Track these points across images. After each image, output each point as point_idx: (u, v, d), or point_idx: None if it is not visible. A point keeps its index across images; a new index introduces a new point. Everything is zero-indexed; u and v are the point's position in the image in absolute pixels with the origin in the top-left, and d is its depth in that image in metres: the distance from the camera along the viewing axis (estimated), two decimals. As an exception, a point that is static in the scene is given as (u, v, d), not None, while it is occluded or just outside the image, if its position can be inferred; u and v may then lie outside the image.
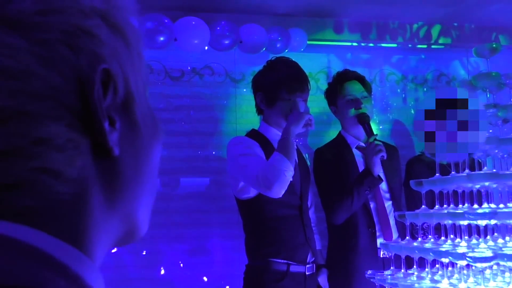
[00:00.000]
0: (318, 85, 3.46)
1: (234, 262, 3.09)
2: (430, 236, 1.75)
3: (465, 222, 1.59)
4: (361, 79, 2.80)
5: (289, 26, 3.29)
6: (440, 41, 3.66)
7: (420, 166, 2.99)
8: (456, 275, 1.62)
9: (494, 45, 3.29)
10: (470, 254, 1.39)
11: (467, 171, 1.63)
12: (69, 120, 0.41)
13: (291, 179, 2.26)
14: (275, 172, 2.19)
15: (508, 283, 1.51)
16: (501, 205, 1.65)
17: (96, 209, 0.44)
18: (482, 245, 1.53)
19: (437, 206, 1.76)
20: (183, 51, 3.17)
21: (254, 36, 3.17)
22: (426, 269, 1.70)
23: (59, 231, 0.41)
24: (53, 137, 0.40)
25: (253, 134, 2.50)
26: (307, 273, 2.42)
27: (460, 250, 1.48)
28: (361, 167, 2.68)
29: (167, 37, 2.99)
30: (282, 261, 2.37)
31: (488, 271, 1.55)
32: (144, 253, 3.15)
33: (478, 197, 1.64)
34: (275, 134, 2.48)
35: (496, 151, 1.66)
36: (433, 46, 3.70)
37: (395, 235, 2.66)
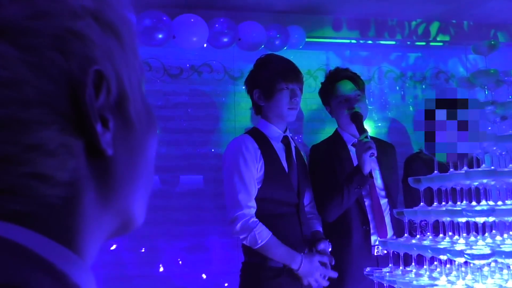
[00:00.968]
0: (316, 82, 3.46)
1: (233, 260, 3.09)
2: (428, 233, 1.76)
3: (463, 219, 1.59)
4: (353, 78, 2.79)
5: (287, 24, 3.29)
6: (439, 38, 3.66)
7: (418, 163, 2.99)
8: (454, 272, 1.62)
9: (492, 42, 3.29)
10: (468, 251, 1.39)
11: (465, 168, 1.64)
12: (61, 125, 0.41)
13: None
14: (253, 243, 2.33)
15: (506, 280, 1.51)
16: (499, 202, 1.65)
17: (89, 208, 0.44)
18: (480, 242, 1.54)
19: (435, 204, 1.77)
20: (181, 49, 3.17)
21: (252, 33, 3.16)
22: (424, 266, 1.71)
23: (49, 232, 0.41)
24: (45, 143, 0.40)
25: (253, 133, 2.52)
26: None
27: (458, 247, 1.49)
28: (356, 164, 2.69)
29: (166, 34, 2.98)
30: None
31: (486, 268, 1.55)
32: (142, 250, 3.15)
33: (476, 194, 1.64)
34: (274, 131, 2.51)
35: (494, 148, 1.67)
36: (431, 43, 3.69)
37: (390, 232, 2.66)
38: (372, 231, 2.63)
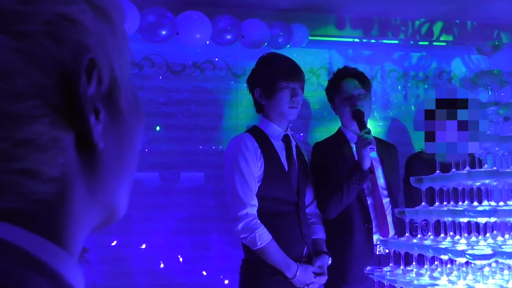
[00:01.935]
0: (319, 80, 3.46)
1: (233, 257, 3.10)
2: (429, 233, 1.76)
3: (465, 220, 1.59)
4: (358, 76, 2.79)
5: (291, 22, 3.29)
6: (442, 38, 3.66)
7: (420, 163, 2.99)
8: (455, 272, 1.63)
9: (496, 43, 3.29)
10: (470, 252, 1.39)
11: (467, 168, 1.64)
12: (52, 118, 0.39)
13: None
14: (252, 244, 2.35)
15: (507, 281, 1.52)
16: (501, 203, 1.65)
17: (77, 203, 0.43)
18: (482, 242, 1.54)
19: (437, 203, 1.77)
20: (184, 45, 3.16)
21: (256, 31, 3.16)
22: (425, 266, 1.71)
23: (39, 229, 0.39)
24: (35, 138, 0.38)
25: (254, 131, 2.52)
26: None
27: (460, 247, 1.49)
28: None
29: (169, 31, 2.98)
30: None
31: (487, 269, 1.55)
32: (143, 246, 3.15)
33: (478, 195, 1.64)
34: (275, 129, 2.51)
35: (497, 149, 1.67)
36: (435, 43, 3.69)
37: (391, 232, 2.66)
38: (374, 229, 2.63)
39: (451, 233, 1.69)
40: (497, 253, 1.40)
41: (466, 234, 1.64)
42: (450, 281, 1.55)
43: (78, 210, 0.43)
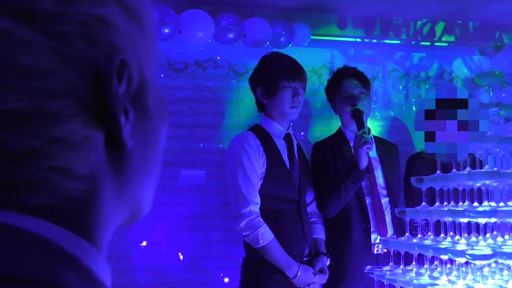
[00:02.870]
0: (320, 80, 3.47)
1: (234, 255, 3.10)
2: (429, 233, 1.76)
3: (465, 220, 1.60)
4: (358, 76, 2.80)
5: (293, 21, 3.29)
6: (444, 38, 3.66)
7: (420, 163, 2.99)
8: (454, 272, 1.63)
9: (498, 44, 3.29)
10: (469, 252, 1.40)
11: (468, 169, 1.64)
12: (84, 117, 0.40)
13: None
14: (254, 242, 2.35)
15: (507, 281, 1.52)
16: (501, 204, 1.66)
17: (105, 201, 0.44)
18: (482, 243, 1.55)
19: (437, 203, 1.77)
20: (186, 44, 3.17)
21: (258, 30, 3.17)
22: (425, 266, 1.72)
23: (70, 225, 0.40)
24: (68, 136, 0.39)
25: (255, 129, 2.53)
26: None
27: (460, 247, 1.49)
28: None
29: (172, 29, 2.99)
30: None
31: (486, 269, 1.56)
32: (144, 244, 3.16)
33: (478, 195, 1.65)
34: (276, 128, 2.52)
35: (497, 149, 1.67)
36: (436, 44, 3.69)
37: (390, 231, 2.67)
38: (372, 229, 2.64)
39: (451, 233, 1.69)
40: (496, 253, 1.40)
41: (466, 234, 1.65)
42: (449, 281, 1.56)
43: (106, 207, 0.44)
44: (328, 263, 2.54)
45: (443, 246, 1.56)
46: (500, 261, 1.49)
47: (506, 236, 1.65)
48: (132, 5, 0.45)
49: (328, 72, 3.51)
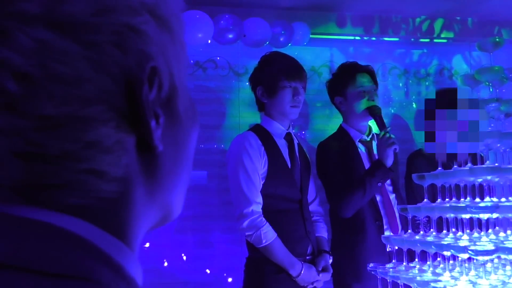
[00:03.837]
0: (320, 79, 3.47)
1: (236, 255, 3.11)
2: (432, 230, 1.77)
3: (467, 216, 1.60)
4: (371, 73, 2.82)
5: (292, 20, 3.30)
6: (443, 35, 3.66)
7: (421, 160, 3.00)
8: (457, 268, 1.63)
9: (497, 39, 3.29)
10: (472, 248, 1.40)
11: (469, 165, 1.64)
12: (117, 122, 0.42)
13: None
14: (257, 242, 2.36)
15: (509, 276, 1.52)
16: (503, 199, 1.66)
17: (137, 202, 0.46)
18: (484, 238, 1.55)
19: (439, 200, 1.78)
20: (186, 44, 3.17)
21: (257, 30, 3.17)
22: (428, 262, 1.72)
23: (104, 225, 0.42)
24: (102, 140, 0.41)
25: (256, 129, 2.54)
26: None
27: (462, 243, 1.50)
28: (365, 161, 2.70)
29: (171, 30, 2.99)
30: None
31: (489, 265, 1.56)
32: (147, 245, 3.17)
33: (480, 191, 1.65)
34: (277, 128, 2.53)
35: (498, 145, 1.67)
36: (435, 40, 3.70)
37: (400, 227, 2.67)
38: (385, 226, 2.63)
39: (453, 230, 1.69)
40: (499, 248, 1.41)
41: (468, 230, 1.65)
42: (452, 277, 1.56)
43: (138, 208, 0.46)
44: (330, 261, 2.54)
45: (445, 243, 1.56)
46: (502, 256, 1.50)
47: (509, 231, 1.65)
48: (163, 14, 0.47)
49: (328, 70, 3.51)
